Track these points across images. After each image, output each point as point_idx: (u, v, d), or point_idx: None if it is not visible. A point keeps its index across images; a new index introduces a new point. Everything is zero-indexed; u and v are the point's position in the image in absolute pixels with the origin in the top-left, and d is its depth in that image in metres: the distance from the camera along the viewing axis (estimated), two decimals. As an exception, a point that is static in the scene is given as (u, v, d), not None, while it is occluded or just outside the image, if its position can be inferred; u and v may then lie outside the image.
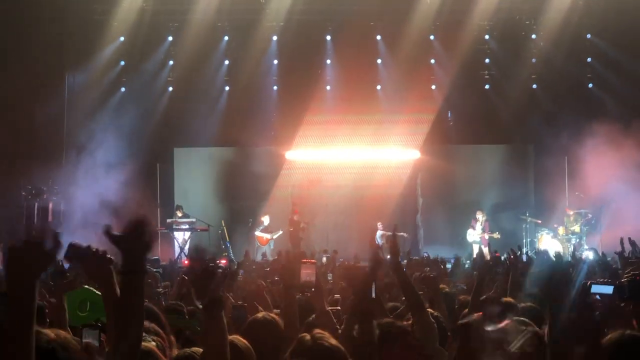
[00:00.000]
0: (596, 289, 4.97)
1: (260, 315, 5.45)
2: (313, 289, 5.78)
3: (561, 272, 3.66)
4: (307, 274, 6.37)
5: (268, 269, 13.85)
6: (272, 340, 5.09)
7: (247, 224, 24.40)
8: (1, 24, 21.07)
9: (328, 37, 25.86)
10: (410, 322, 5.42)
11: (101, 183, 22.43)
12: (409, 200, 25.88)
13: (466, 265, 17.91)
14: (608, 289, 4.90)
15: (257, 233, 24.17)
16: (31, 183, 22.46)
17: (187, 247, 22.70)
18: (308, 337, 4.11)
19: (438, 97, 25.85)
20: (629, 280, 4.40)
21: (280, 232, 23.79)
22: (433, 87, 26.04)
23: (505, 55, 25.59)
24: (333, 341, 3.89)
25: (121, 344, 3.02)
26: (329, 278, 13.17)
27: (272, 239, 23.89)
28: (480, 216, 23.72)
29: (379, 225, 24.11)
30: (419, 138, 25.75)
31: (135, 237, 3.11)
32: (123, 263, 3.11)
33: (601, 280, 5.54)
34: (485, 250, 22.79)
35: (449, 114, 26.27)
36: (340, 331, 5.09)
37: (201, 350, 4.23)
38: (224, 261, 19.07)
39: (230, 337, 3.94)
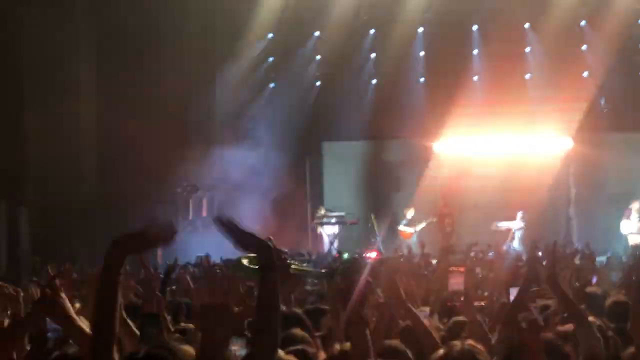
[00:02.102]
0: None
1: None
2: (462, 298, 5.73)
3: None
4: (455, 283, 6.33)
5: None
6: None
7: (395, 217, 24.34)
8: (152, 27, 21.76)
9: (475, 27, 25.52)
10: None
11: (252, 180, 22.90)
12: (560, 192, 25.26)
13: (623, 259, 17.39)
14: None
15: (401, 227, 24.06)
16: (186, 179, 23.22)
17: (336, 242, 22.92)
18: (459, 346, 4.10)
19: (590, 84, 25.11)
20: None
21: (424, 224, 23.58)
22: (585, 74, 25.30)
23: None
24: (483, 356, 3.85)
25: (256, 346, 3.06)
26: (478, 272, 13.04)
27: (415, 231, 23.67)
28: (635, 205, 22.82)
29: (519, 214, 23.61)
30: (571, 127, 25.07)
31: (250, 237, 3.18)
32: (259, 259, 3.17)
33: None
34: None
35: (602, 101, 25.48)
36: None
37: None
38: (374, 253, 19.23)
39: None
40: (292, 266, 7.15)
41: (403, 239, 23.61)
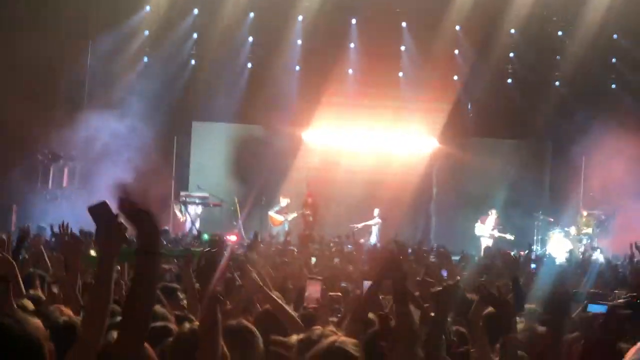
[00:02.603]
0: (592, 308, 5.00)
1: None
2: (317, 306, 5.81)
3: (563, 291, 3.67)
4: (314, 291, 6.44)
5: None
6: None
7: (260, 202, 24.37)
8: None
9: (353, 21, 25.80)
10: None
11: (118, 152, 22.52)
12: (424, 189, 25.83)
13: (475, 259, 17.93)
14: (603, 309, 4.92)
15: (271, 213, 24.11)
16: (48, 147, 22.60)
17: (198, 221, 22.79)
18: (320, 330, 4.16)
19: (459, 88, 25.78)
20: (627, 302, 4.40)
21: (295, 215, 23.74)
22: (455, 77, 25.95)
23: (530, 50, 25.45)
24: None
25: (126, 330, 3.02)
26: (336, 261, 13.20)
27: (286, 221, 23.78)
28: (493, 212, 23.57)
29: (376, 211, 24.05)
30: (438, 127, 25.69)
31: (150, 217, 3.08)
32: (139, 242, 3.07)
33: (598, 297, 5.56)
34: (490, 242, 22.77)
35: (469, 105, 26.20)
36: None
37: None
38: (234, 237, 19.19)
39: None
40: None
41: (272, 225, 23.68)
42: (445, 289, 4.49)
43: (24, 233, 7.61)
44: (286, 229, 22.91)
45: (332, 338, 3.74)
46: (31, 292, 6.36)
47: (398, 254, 4.83)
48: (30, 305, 5.55)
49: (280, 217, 23.92)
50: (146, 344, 3.71)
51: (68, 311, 4.96)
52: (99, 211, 3.29)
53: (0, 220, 17.62)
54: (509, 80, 26.03)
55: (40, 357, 2.54)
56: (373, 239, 23.53)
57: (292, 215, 23.82)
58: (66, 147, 22.68)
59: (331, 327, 4.42)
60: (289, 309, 5.66)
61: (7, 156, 20.97)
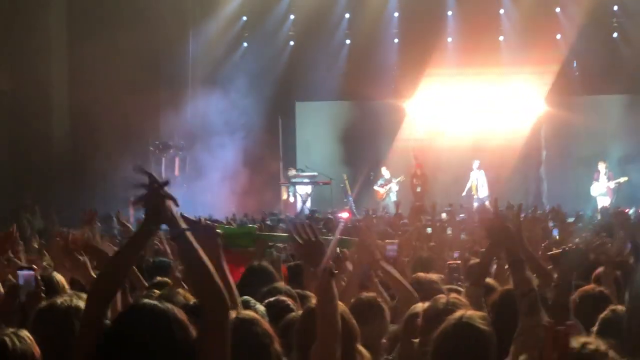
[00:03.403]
0: None
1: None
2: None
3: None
4: (391, 250, 6.49)
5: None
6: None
7: (368, 177, 24.41)
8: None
9: (450, -12, 25.55)
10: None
11: (225, 137, 22.92)
12: (532, 153, 25.42)
13: (592, 219, 17.59)
14: None
15: (375, 187, 24.14)
16: (158, 138, 23.17)
17: (309, 201, 22.97)
18: (444, 299, 4.19)
19: (563, 47, 25.21)
20: None
21: (394, 184, 23.63)
22: (558, 36, 25.39)
23: (634, 1, 24.65)
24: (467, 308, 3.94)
25: (204, 302, 3.12)
26: (449, 232, 13.15)
27: (390, 191, 23.70)
28: (602, 167, 23.06)
29: (475, 163, 23.74)
30: (543, 89, 25.21)
31: (154, 205, 3.19)
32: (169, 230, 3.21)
33: None
34: (607, 202, 22.27)
35: (575, 64, 25.60)
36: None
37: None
38: (346, 214, 19.30)
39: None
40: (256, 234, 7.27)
41: (378, 200, 23.71)
42: (566, 252, 4.45)
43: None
44: (393, 199, 22.85)
45: (459, 313, 3.76)
46: (158, 278, 6.58)
47: (507, 222, 4.75)
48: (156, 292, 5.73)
49: (382, 190, 23.86)
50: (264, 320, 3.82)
51: (189, 295, 5.12)
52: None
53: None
54: (615, 34, 25.30)
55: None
56: (483, 192, 23.21)
57: (394, 184, 23.69)
58: (174, 136, 23.22)
59: (454, 295, 4.44)
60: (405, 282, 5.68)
61: (118, 149, 21.58)
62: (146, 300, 3.07)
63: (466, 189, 23.47)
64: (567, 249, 4.56)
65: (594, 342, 2.91)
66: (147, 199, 3.19)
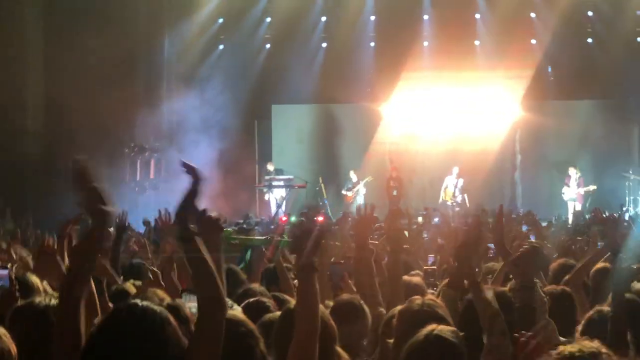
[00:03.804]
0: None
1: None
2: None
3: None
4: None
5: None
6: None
7: (345, 180, 24.33)
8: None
9: (426, -8, 25.61)
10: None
11: (200, 140, 22.85)
12: (507, 157, 25.56)
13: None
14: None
15: (343, 191, 24.04)
16: (134, 138, 23.05)
17: (284, 204, 22.92)
18: (419, 300, 4.18)
19: (538, 51, 25.34)
20: None
21: (361, 185, 23.56)
22: (533, 41, 25.52)
23: (609, 7, 24.84)
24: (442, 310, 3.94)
25: (202, 310, 3.12)
26: (425, 236, 13.17)
27: (357, 193, 23.58)
28: (572, 172, 23.22)
29: (454, 169, 23.68)
30: (518, 94, 25.34)
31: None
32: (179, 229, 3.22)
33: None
34: (578, 207, 22.42)
35: (549, 69, 25.75)
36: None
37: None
38: (321, 218, 19.25)
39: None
40: (232, 237, 7.30)
41: (347, 203, 23.61)
42: (526, 252, 4.47)
43: (122, 225, 7.76)
44: (360, 202, 22.63)
45: (430, 327, 3.75)
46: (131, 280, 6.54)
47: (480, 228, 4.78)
48: (132, 289, 5.71)
49: (350, 193, 23.78)
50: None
51: (164, 294, 5.10)
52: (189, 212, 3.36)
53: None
54: (589, 40, 25.48)
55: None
56: (458, 199, 23.23)
57: (361, 186, 23.62)
58: (150, 138, 23.13)
59: (430, 297, 4.43)
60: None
61: (93, 150, 21.44)
62: (133, 301, 3.05)
63: (442, 195, 23.42)
64: (525, 250, 4.58)
65: (590, 344, 2.93)
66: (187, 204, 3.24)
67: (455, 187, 23.33)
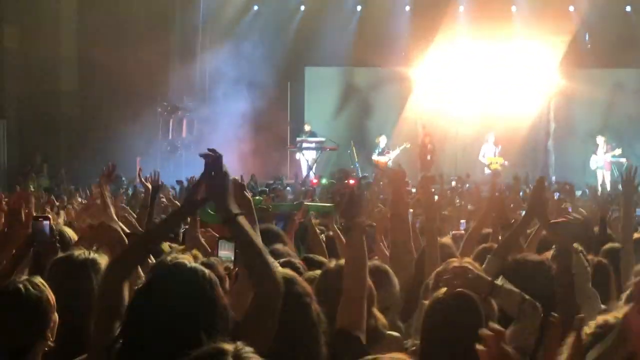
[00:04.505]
0: None
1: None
2: None
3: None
4: None
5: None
6: None
7: (374, 146, 24.25)
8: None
9: (463, -44, 25.33)
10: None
11: (233, 100, 22.90)
12: (540, 125, 25.35)
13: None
14: None
15: (375, 157, 23.91)
16: (167, 99, 23.16)
17: (315, 166, 22.93)
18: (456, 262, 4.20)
19: (576, 18, 25.03)
20: None
21: (398, 151, 23.43)
22: (571, 8, 25.20)
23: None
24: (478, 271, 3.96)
25: (257, 283, 3.14)
26: (457, 202, 13.14)
27: (390, 160, 23.45)
28: (600, 140, 23.03)
29: (490, 136, 23.56)
30: (555, 61, 25.08)
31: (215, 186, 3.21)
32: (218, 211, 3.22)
33: None
34: (607, 175, 22.29)
35: (587, 36, 25.45)
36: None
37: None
38: (352, 181, 19.28)
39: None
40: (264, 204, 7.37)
41: (381, 168, 23.48)
42: (566, 222, 4.45)
43: (156, 184, 7.85)
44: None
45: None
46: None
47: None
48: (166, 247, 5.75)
49: (385, 158, 23.65)
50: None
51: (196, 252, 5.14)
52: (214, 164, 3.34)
53: (125, 173, 18.17)
54: (627, 8, 25.13)
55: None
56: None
57: (394, 153, 23.47)
58: (183, 97, 23.22)
59: (468, 259, 4.41)
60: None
61: (127, 109, 21.59)
62: (173, 258, 3.07)
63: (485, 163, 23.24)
64: (567, 219, 4.55)
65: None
66: (213, 189, 3.21)
67: (495, 155, 23.20)
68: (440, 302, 3.60)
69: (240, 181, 4.34)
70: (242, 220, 3.17)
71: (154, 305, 2.92)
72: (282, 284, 3.14)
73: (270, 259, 3.17)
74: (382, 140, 23.93)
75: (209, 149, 3.27)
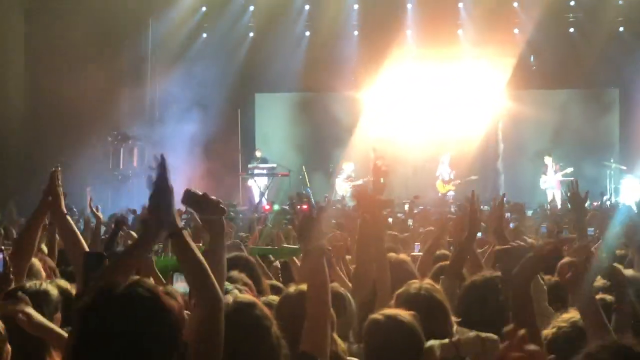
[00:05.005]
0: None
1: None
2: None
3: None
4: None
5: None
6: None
7: (327, 170, 24.38)
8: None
9: (409, -19, 25.61)
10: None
11: (184, 129, 22.81)
12: (489, 146, 25.65)
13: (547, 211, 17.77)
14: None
15: (339, 182, 24.00)
16: (117, 127, 22.99)
17: (267, 193, 22.90)
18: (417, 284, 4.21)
19: (521, 41, 25.40)
20: None
21: (361, 182, 23.55)
22: (516, 31, 25.58)
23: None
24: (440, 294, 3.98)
25: (198, 297, 3.11)
26: (410, 224, 13.23)
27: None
28: (548, 160, 23.44)
29: (445, 157, 23.83)
30: (501, 83, 25.41)
31: (159, 199, 3.16)
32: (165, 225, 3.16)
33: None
34: (557, 194, 22.61)
35: (532, 58, 25.84)
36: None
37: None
38: (305, 206, 19.25)
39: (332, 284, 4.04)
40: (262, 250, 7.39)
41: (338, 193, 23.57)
42: (510, 249, 4.46)
43: (120, 222, 7.65)
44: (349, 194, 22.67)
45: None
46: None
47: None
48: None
49: (348, 185, 23.69)
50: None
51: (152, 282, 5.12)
52: (190, 199, 3.40)
53: (76, 203, 17.95)
54: (571, 29, 25.59)
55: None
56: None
57: (358, 183, 23.60)
58: (134, 126, 23.07)
59: (428, 281, 4.45)
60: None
61: (76, 137, 21.36)
62: (117, 286, 2.76)
63: (439, 187, 23.50)
64: (515, 246, 4.59)
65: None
66: (158, 202, 3.15)
67: (449, 177, 23.51)
68: (377, 323, 3.66)
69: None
70: (186, 235, 3.14)
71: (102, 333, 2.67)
72: (222, 299, 3.08)
73: (212, 276, 3.10)
74: (348, 167, 23.95)
75: (160, 155, 3.26)
